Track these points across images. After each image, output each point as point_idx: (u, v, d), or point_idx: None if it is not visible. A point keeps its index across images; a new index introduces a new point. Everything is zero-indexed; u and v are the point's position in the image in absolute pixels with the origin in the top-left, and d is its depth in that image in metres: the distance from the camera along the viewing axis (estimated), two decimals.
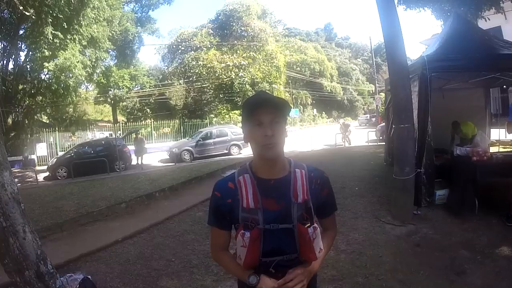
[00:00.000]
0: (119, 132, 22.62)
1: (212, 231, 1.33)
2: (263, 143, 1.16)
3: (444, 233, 4.01)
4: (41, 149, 18.12)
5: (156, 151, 16.22)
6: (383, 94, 22.49)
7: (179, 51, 33.68)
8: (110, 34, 20.43)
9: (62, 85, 16.44)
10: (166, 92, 32.67)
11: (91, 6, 16.00)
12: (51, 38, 14.59)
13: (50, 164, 14.01)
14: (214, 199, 1.28)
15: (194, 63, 31.04)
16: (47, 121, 24.27)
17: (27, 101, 18.90)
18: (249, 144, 1.25)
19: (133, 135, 17.35)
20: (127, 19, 26.73)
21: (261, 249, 1.20)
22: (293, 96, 41.40)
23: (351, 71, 53.24)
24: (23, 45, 17.39)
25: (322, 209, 1.32)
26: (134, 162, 14.55)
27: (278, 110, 1.18)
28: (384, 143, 9.52)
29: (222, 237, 1.32)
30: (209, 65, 30.27)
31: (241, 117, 1.27)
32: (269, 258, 1.21)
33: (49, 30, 14.36)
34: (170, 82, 33.07)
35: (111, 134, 22.89)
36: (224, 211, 1.26)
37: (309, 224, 1.21)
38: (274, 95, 1.28)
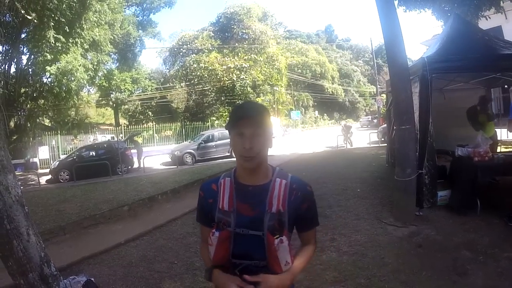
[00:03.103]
0: (121, 135, 22.67)
1: (200, 226, 1.41)
2: (241, 154, 1.20)
3: (446, 234, 4.00)
4: (43, 152, 18.18)
5: (158, 154, 16.24)
6: (384, 96, 22.44)
7: (181, 54, 33.88)
8: (112, 38, 20.57)
9: (64, 88, 16.57)
10: (167, 95, 32.78)
11: (93, 9, 16.14)
12: (53, 42, 14.70)
13: (52, 167, 14.07)
14: (199, 198, 1.36)
15: (195, 65, 31.13)
16: (49, 124, 24.33)
17: (29, 105, 18.99)
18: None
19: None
20: (129, 23, 26.91)
21: (230, 250, 1.24)
22: (295, 98, 41.49)
23: (352, 73, 53.33)
24: (25, 49, 17.53)
25: (301, 222, 1.31)
26: (136, 165, 14.60)
27: (259, 124, 1.19)
28: (385, 145, 9.51)
29: (206, 232, 1.36)
30: (210, 67, 30.34)
31: None
32: (238, 260, 1.24)
33: (51, 33, 14.46)
34: (171, 85, 33.19)
35: (113, 137, 22.94)
36: (206, 210, 1.32)
37: (278, 236, 1.20)
38: (259, 105, 1.29)
